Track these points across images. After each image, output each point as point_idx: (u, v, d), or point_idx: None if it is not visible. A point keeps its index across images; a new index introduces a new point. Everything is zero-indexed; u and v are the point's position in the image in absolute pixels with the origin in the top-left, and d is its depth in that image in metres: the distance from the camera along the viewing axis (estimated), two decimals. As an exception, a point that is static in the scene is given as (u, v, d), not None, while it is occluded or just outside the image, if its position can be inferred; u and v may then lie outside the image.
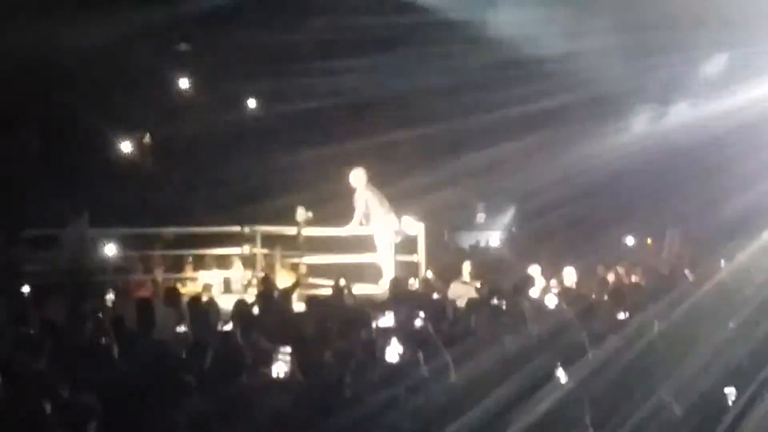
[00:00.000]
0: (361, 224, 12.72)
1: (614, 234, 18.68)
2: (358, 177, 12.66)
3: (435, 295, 10.35)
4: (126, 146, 20.48)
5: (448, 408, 5.08)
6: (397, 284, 10.72)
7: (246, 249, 13.41)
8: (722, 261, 11.50)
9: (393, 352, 5.88)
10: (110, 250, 13.50)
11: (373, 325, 7.36)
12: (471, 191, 22.45)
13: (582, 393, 5.29)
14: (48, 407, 4.76)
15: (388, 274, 12.41)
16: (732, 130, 16.40)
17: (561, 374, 5.60)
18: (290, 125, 19.74)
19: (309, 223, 12.98)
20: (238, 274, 13.57)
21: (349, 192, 12.81)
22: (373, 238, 12.73)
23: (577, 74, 17.49)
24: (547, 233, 18.53)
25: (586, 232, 17.62)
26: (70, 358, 6.33)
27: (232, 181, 18.93)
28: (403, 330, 6.88)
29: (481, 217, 24.01)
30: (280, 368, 5.81)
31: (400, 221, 12.80)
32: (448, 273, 12.69)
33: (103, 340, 7.38)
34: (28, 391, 5.39)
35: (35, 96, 18.13)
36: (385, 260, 12.64)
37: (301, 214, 12.93)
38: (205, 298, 9.67)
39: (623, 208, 19.19)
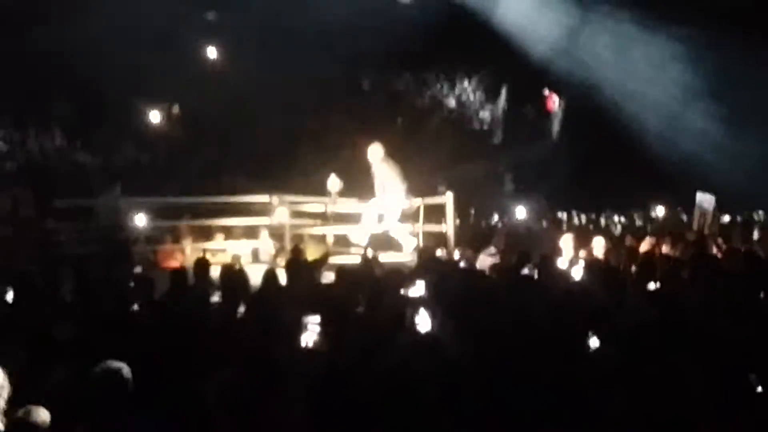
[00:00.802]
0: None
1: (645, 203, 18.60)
2: (374, 152, 12.74)
3: (462, 264, 10.36)
4: (155, 116, 20.58)
5: (476, 376, 5.05)
6: (426, 253, 10.72)
7: (275, 219, 13.46)
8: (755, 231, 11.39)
9: (423, 321, 5.85)
10: (141, 219, 13.59)
11: (402, 293, 7.36)
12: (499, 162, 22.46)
13: (609, 361, 5.26)
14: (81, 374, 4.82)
15: (407, 244, 12.58)
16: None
17: (592, 341, 5.55)
18: (317, 94, 19.73)
19: (341, 192, 13.09)
20: (266, 244, 13.63)
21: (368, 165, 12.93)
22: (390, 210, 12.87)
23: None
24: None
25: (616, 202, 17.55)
26: (103, 327, 6.39)
27: (260, 152, 19.00)
28: (432, 299, 6.85)
29: (509, 186, 23.93)
30: (308, 338, 5.81)
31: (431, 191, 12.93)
32: (477, 243, 12.70)
33: (135, 308, 7.48)
34: (64, 358, 5.46)
35: (65, 67, 18.22)
36: (401, 231, 12.80)
37: (334, 183, 13.04)
38: (234, 268, 9.71)
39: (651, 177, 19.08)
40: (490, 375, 5.03)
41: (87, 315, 7.04)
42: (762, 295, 7.24)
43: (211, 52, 20.82)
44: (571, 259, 10.62)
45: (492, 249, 11.93)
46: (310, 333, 5.84)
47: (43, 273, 9.30)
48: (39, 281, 8.71)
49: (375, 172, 12.81)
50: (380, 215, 12.87)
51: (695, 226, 12.63)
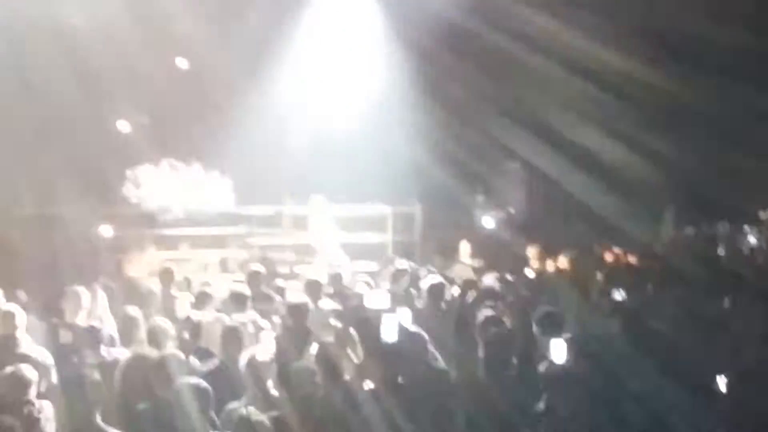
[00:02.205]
0: None
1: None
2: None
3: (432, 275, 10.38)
4: (124, 125, 20.44)
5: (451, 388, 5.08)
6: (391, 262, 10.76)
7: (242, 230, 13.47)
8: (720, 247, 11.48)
9: (390, 332, 5.81)
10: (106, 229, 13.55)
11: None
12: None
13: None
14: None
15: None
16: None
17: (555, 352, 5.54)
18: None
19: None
20: (234, 254, 13.58)
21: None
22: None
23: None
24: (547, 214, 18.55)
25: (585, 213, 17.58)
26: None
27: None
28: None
29: (480, 197, 23.97)
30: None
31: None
32: (447, 252, 12.78)
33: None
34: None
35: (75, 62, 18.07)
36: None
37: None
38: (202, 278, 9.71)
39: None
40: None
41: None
42: (725, 304, 7.32)
43: (181, 63, 20.71)
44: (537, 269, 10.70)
45: (462, 257, 12.08)
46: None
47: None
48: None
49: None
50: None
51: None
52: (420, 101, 17.99)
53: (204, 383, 4.97)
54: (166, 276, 9.13)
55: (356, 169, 19.53)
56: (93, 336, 6.77)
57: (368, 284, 8.87)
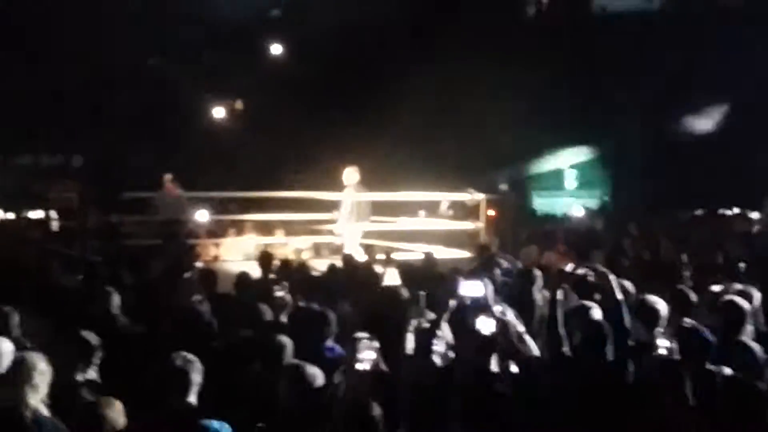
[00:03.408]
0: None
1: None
2: (350, 176, 12.77)
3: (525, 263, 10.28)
4: (218, 111, 20.82)
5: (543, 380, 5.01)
6: (485, 251, 10.65)
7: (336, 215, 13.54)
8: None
9: (484, 323, 5.75)
10: (202, 214, 13.79)
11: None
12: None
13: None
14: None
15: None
16: None
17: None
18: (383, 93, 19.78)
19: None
20: (326, 239, 13.71)
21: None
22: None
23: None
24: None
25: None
26: (166, 321, 6.48)
27: (320, 147, 19.09)
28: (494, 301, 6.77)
29: (570, 182, 23.72)
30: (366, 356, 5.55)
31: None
32: (541, 241, 12.72)
33: (196, 301, 7.57)
34: (130, 352, 5.54)
35: (130, 61, 18.54)
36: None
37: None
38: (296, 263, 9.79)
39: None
40: (558, 379, 4.98)
41: (148, 307, 7.15)
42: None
43: (276, 49, 20.97)
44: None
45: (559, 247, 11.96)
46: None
47: (108, 264, 9.50)
48: (104, 272, 8.91)
49: (346, 195, 12.82)
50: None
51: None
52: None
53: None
54: (265, 260, 9.24)
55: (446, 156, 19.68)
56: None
57: (461, 272, 8.83)
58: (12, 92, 17.22)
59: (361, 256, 11.68)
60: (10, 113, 18.09)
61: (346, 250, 12.27)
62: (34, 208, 15.07)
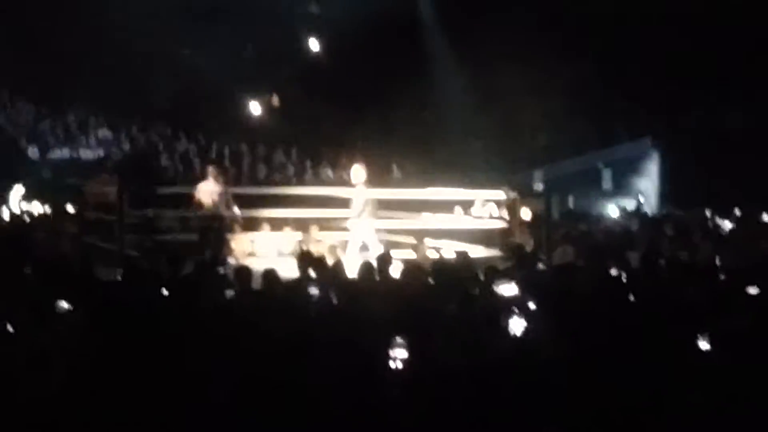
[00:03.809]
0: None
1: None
2: (357, 174, 12.87)
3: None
4: (255, 107, 20.92)
5: (572, 380, 4.98)
6: (519, 250, 10.62)
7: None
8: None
9: (516, 323, 5.74)
10: (237, 210, 13.85)
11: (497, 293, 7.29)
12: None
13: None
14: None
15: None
16: None
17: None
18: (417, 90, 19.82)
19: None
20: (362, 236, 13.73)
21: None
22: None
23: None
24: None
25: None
26: (202, 316, 6.53)
27: (355, 143, 19.14)
28: (527, 299, 6.75)
29: (606, 182, 23.53)
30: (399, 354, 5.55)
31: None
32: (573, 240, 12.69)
33: (229, 295, 7.64)
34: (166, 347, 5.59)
35: (168, 55, 18.69)
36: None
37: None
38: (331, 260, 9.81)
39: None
40: (586, 378, 4.95)
41: (184, 303, 7.20)
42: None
43: (313, 44, 21.03)
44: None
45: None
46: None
47: (146, 258, 9.61)
48: (143, 265, 9.02)
49: (354, 193, 12.84)
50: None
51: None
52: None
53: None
54: (303, 258, 9.25)
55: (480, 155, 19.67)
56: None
57: (495, 271, 8.80)
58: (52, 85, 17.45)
59: (378, 253, 11.76)
60: (48, 107, 18.34)
61: (358, 248, 12.33)
62: (71, 201, 15.25)
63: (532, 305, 6.34)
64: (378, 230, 12.97)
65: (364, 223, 12.70)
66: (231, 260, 11.38)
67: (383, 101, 19.87)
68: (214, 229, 12.85)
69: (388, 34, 19.10)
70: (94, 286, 7.62)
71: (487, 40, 18.73)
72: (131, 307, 6.42)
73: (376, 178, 14.57)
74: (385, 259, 8.86)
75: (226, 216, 13.11)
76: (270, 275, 7.94)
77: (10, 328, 5.50)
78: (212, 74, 18.60)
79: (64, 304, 5.86)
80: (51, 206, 16.28)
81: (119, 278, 8.66)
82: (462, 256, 10.08)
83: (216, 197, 12.86)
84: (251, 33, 18.88)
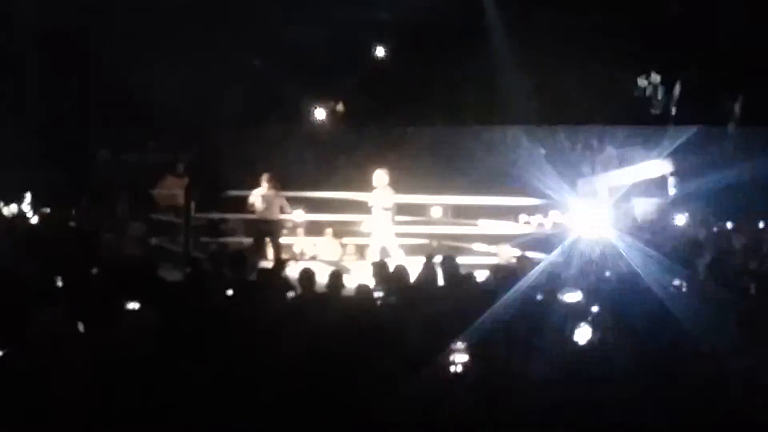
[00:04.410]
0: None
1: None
2: (379, 178, 12.89)
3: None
4: (320, 113, 21.06)
5: (640, 388, 4.92)
6: (583, 256, 10.53)
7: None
8: None
9: (582, 331, 5.68)
10: (299, 214, 14.03)
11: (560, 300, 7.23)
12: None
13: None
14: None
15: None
16: None
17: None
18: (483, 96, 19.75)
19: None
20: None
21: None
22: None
23: None
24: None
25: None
26: (265, 318, 6.60)
27: (422, 151, 19.17)
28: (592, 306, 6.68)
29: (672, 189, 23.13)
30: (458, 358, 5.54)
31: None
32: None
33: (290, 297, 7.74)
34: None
35: (232, 63, 18.91)
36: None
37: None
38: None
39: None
40: (656, 386, 4.90)
41: (248, 304, 7.29)
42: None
43: (379, 52, 21.11)
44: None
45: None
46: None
47: (210, 260, 9.76)
48: (207, 267, 9.16)
49: (375, 197, 12.85)
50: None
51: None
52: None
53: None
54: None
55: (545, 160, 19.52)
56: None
57: (558, 277, 8.73)
58: (119, 89, 17.75)
59: (402, 258, 11.82)
60: (118, 110, 18.68)
61: (380, 252, 12.34)
62: (139, 204, 15.54)
63: (596, 313, 6.28)
64: (435, 236, 13.00)
65: (385, 227, 12.73)
66: (292, 263, 11.48)
67: (449, 106, 19.87)
68: (268, 233, 13.04)
69: (453, 40, 19.07)
70: (159, 287, 7.76)
71: (554, 45, 18.58)
72: (196, 309, 6.53)
73: (440, 185, 14.63)
74: (449, 262, 8.86)
75: (278, 220, 13.29)
76: (335, 276, 8.00)
77: (81, 327, 5.62)
78: (278, 80, 18.79)
79: (133, 304, 5.97)
80: (119, 208, 16.61)
81: (184, 279, 8.82)
82: (524, 261, 10.02)
83: (269, 202, 13.07)
84: (317, 40, 18.99)
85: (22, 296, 6.37)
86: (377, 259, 12.08)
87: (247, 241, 13.32)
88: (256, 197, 13.13)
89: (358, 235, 14.12)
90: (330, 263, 12.01)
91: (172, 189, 13.70)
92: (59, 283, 7.07)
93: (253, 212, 13.19)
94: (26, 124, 18.17)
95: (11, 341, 4.84)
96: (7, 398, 3.66)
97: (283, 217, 13.44)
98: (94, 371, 4.87)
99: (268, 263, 10.88)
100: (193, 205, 13.31)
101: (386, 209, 12.75)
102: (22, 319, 5.45)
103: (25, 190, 17.10)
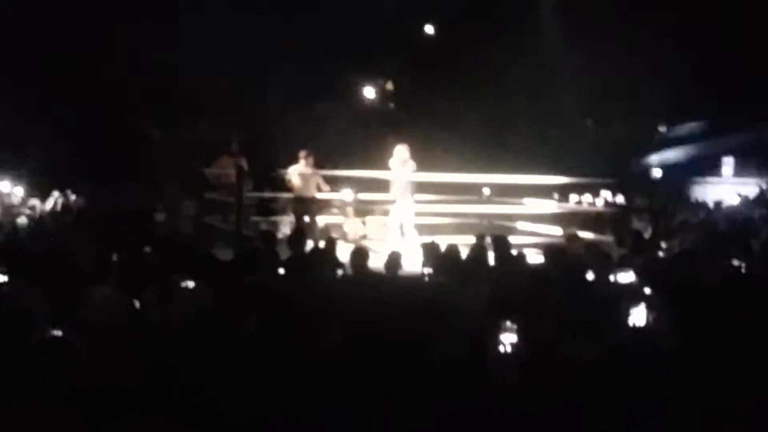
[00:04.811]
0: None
1: None
2: (400, 152, 12.73)
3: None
4: (369, 91, 21.06)
5: (695, 372, 4.84)
6: (635, 235, 10.40)
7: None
8: None
9: (637, 313, 5.60)
10: (348, 193, 14.05)
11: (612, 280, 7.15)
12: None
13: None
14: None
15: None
16: None
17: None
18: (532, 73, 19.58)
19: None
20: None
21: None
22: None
23: None
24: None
25: None
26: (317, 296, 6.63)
27: (469, 130, 19.08)
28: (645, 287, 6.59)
29: (727, 169, 22.79)
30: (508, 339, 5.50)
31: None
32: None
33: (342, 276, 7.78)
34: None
35: (283, 42, 18.94)
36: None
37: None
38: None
39: None
40: (710, 370, 4.82)
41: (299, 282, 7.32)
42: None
43: (429, 30, 21.02)
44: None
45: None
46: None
47: (262, 239, 9.83)
48: (259, 245, 9.24)
49: (396, 172, 12.70)
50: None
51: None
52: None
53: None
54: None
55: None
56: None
57: (610, 257, 8.64)
58: (171, 68, 17.88)
59: (415, 235, 11.76)
60: (169, 90, 18.85)
61: (398, 228, 12.28)
62: (191, 183, 15.68)
63: (649, 294, 6.19)
64: (484, 215, 12.96)
65: (404, 204, 12.66)
66: (342, 242, 11.51)
67: (498, 85, 19.74)
68: (307, 211, 13.07)
69: (503, 15, 18.92)
70: (212, 265, 7.83)
71: (605, 22, 18.35)
72: (248, 287, 6.58)
73: (487, 162, 14.55)
74: (501, 241, 8.80)
75: (316, 198, 13.31)
76: (393, 257, 7.99)
77: (137, 304, 5.70)
78: (328, 59, 18.82)
79: (188, 282, 6.04)
80: (171, 187, 16.80)
81: (235, 258, 8.89)
82: (575, 241, 9.91)
83: (305, 180, 13.10)
84: (367, 18, 18.96)
85: (76, 276, 6.46)
86: (394, 235, 12.16)
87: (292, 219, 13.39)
88: (293, 174, 13.18)
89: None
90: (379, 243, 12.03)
91: (227, 168, 13.78)
92: (113, 262, 7.16)
93: (290, 189, 13.23)
94: (78, 106, 18.41)
95: (67, 321, 4.91)
96: (64, 377, 3.72)
97: (324, 195, 13.43)
98: (150, 348, 4.94)
99: (315, 242, 10.89)
100: (250, 184, 13.45)
101: (406, 185, 12.69)
102: (77, 298, 5.55)
103: (78, 170, 17.37)
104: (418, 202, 12.93)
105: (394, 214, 12.80)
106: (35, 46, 18.13)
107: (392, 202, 12.83)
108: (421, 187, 13.17)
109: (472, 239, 9.86)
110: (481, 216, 13.61)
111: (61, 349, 3.82)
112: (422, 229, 12.58)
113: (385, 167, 12.81)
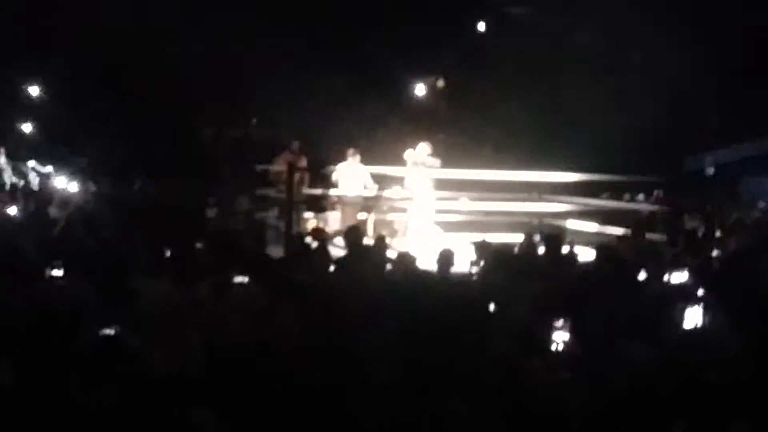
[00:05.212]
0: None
1: None
2: (422, 150, 12.84)
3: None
4: (420, 89, 21.03)
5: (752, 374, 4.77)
6: (690, 234, 10.30)
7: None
8: None
9: (691, 314, 5.54)
10: (397, 191, 14.05)
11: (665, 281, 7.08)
12: None
13: None
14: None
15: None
16: None
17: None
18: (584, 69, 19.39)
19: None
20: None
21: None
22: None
23: None
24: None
25: None
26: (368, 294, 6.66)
27: (519, 128, 18.98)
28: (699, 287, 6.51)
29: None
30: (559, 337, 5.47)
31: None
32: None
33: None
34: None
35: (333, 40, 19.02)
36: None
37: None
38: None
39: None
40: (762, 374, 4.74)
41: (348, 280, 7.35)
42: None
43: (480, 26, 20.94)
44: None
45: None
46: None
47: (312, 235, 9.89)
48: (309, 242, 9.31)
49: (416, 168, 12.68)
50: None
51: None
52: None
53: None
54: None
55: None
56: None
57: (663, 257, 8.55)
58: (223, 67, 18.07)
59: (437, 234, 11.69)
60: (221, 88, 19.03)
61: (418, 227, 12.23)
62: (244, 179, 15.81)
63: (703, 294, 6.12)
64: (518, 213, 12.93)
65: (422, 202, 12.60)
66: (389, 240, 11.55)
67: (548, 81, 19.60)
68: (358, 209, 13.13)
69: (555, 12, 18.78)
70: (263, 262, 7.90)
71: (656, 16, 18.09)
72: (296, 284, 6.63)
73: (536, 159, 14.46)
74: (553, 239, 8.76)
75: (365, 196, 13.34)
76: (445, 254, 7.99)
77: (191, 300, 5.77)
78: (378, 56, 18.84)
79: (241, 278, 6.09)
80: (224, 184, 16.96)
81: (287, 254, 8.97)
82: (627, 240, 9.84)
83: (353, 177, 13.16)
84: (418, 15, 18.96)
85: (130, 272, 6.55)
86: (414, 235, 12.15)
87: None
88: (341, 172, 13.26)
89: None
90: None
91: (285, 165, 13.88)
92: (166, 258, 7.24)
93: (337, 186, 13.32)
94: (133, 105, 18.68)
95: (121, 318, 4.98)
96: (118, 374, 3.77)
97: (368, 193, 13.46)
98: (204, 343, 5.01)
99: (368, 239, 10.93)
100: (307, 180, 13.55)
101: (426, 184, 12.67)
102: (131, 294, 5.62)
103: (133, 168, 17.61)
104: (472, 200, 12.92)
105: (413, 213, 12.79)
106: (91, 46, 18.43)
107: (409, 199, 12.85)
108: (471, 186, 13.15)
109: (521, 237, 9.82)
110: (530, 215, 13.54)
111: (117, 344, 3.85)
112: (467, 226, 12.52)
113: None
